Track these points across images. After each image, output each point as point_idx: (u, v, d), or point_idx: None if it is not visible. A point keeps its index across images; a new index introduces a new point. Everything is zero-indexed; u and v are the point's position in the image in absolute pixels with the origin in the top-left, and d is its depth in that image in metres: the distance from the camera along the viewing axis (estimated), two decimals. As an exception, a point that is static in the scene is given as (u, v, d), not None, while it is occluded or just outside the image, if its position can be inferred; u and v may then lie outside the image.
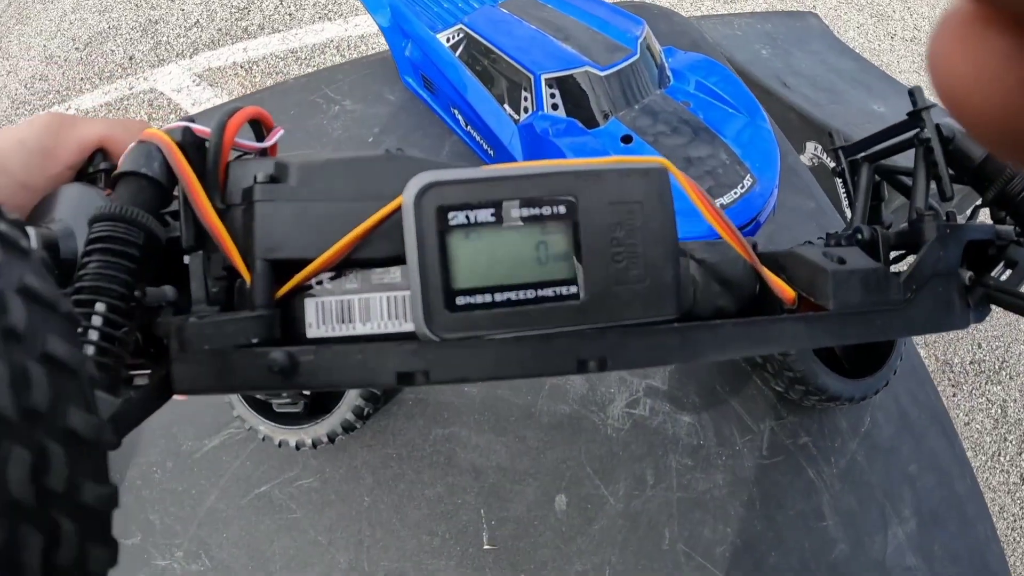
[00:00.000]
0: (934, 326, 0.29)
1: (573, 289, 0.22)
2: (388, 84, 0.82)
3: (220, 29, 2.11)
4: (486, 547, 0.57)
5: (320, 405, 0.57)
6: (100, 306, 0.23)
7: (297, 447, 0.55)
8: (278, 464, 0.60)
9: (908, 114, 0.42)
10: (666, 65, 0.67)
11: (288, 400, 0.54)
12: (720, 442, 0.61)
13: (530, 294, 0.22)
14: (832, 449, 0.63)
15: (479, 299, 0.22)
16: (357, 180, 0.25)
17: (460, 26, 0.68)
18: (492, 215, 0.22)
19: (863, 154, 0.49)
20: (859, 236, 0.39)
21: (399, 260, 0.24)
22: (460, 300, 0.22)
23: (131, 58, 2.11)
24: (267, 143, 0.31)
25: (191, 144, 0.27)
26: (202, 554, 0.59)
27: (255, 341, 0.23)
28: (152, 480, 0.62)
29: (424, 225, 0.22)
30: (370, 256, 0.25)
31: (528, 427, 0.59)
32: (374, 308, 0.25)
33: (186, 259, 0.27)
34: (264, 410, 0.56)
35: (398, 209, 0.23)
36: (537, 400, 0.60)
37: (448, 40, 0.68)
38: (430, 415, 0.60)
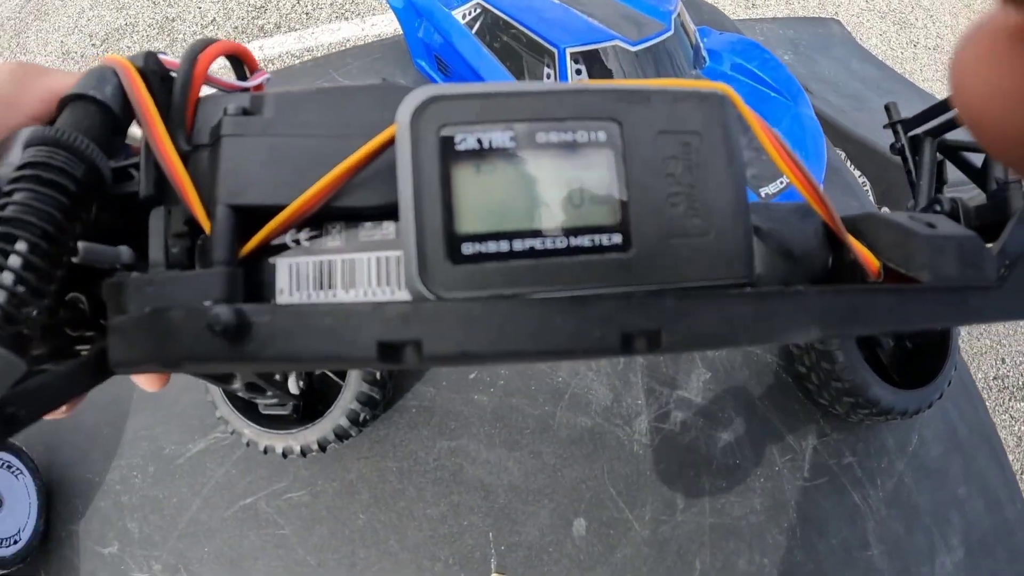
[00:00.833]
0: None
1: (617, 239, 0.17)
2: (400, 68, 0.77)
3: (236, 27, 2.09)
4: (493, 575, 0.51)
5: (312, 409, 0.51)
6: (21, 245, 0.18)
7: (284, 455, 0.50)
8: (267, 474, 0.54)
9: None
10: (701, 45, 0.61)
11: (275, 400, 0.49)
12: (758, 462, 0.54)
13: (560, 243, 0.17)
14: (878, 470, 0.57)
15: (492, 247, 0.17)
16: (347, 112, 0.20)
17: (477, 1, 0.62)
18: (512, 139, 0.17)
19: (924, 128, 0.44)
20: (938, 208, 0.34)
21: (395, 212, 0.18)
22: (467, 248, 0.17)
23: (147, 55, 2.10)
24: (250, 83, 0.26)
25: (155, 74, 0.22)
26: (181, 568, 0.54)
27: (208, 304, 0.18)
28: (132, 485, 0.57)
29: (422, 149, 0.17)
30: (358, 205, 0.20)
31: (544, 441, 0.53)
32: (360, 271, 0.20)
33: None
34: (250, 412, 0.51)
35: (393, 140, 0.18)
36: (556, 411, 0.54)
37: (464, 16, 0.63)
38: (436, 425, 0.54)
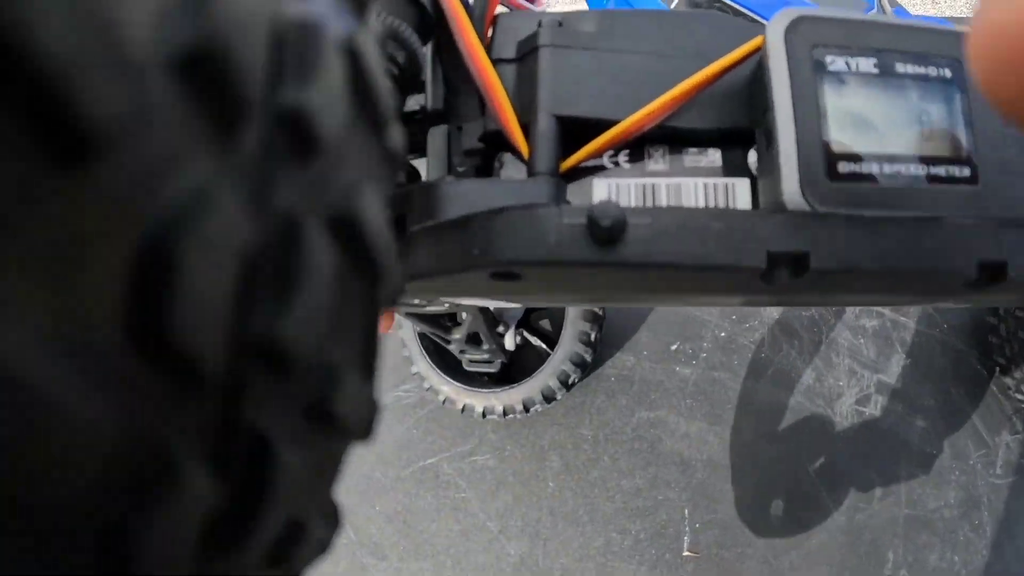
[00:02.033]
0: None
1: (967, 171, 0.18)
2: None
3: None
4: (686, 553, 0.49)
5: (505, 375, 0.49)
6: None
7: (484, 415, 0.48)
8: (450, 435, 0.52)
9: None
10: None
11: (486, 356, 0.47)
12: (954, 454, 0.53)
13: (921, 170, 0.18)
14: (1070, 475, 0.55)
15: (865, 168, 0.18)
16: (676, 35, 0.21)
17: None
18: (875, 66, 0.18)
19: None
20: None
21: (721, 139, 0.20)
22: (843, 167, 0.17)
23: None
24: (537, 7, 0.25)
25: None
26: (347, 526, 0.52)
27: (559, 206, 0.17)
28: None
29: (798, 66, 0.18)
30: (689, 126, 0.20)
31: (745, 416, 0.51)
32: (687, 196, 0.20)
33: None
34: (448, 369, 0.49)
35: (755, 52, 0.18)
36: (757, 386, 0.52)
37: None
38: (635, 394, 0.52)
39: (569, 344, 0.47)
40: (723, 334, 0.53)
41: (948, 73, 0.19)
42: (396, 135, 0.11)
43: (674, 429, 0.51)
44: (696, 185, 0.20)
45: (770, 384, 0.52)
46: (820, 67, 0.18)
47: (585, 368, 0.48)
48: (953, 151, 0.18)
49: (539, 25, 0.21)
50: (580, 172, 0.20)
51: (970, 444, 0.53)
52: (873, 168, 0.18)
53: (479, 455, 0.51)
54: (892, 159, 0.18)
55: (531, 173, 0.19)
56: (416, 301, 0.33)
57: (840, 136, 0.18)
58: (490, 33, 0.22)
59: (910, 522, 0.51)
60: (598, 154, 0.20)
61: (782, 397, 0.52)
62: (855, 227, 0.17)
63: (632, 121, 0.19)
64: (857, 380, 0.53)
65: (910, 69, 0.18)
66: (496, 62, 0.21)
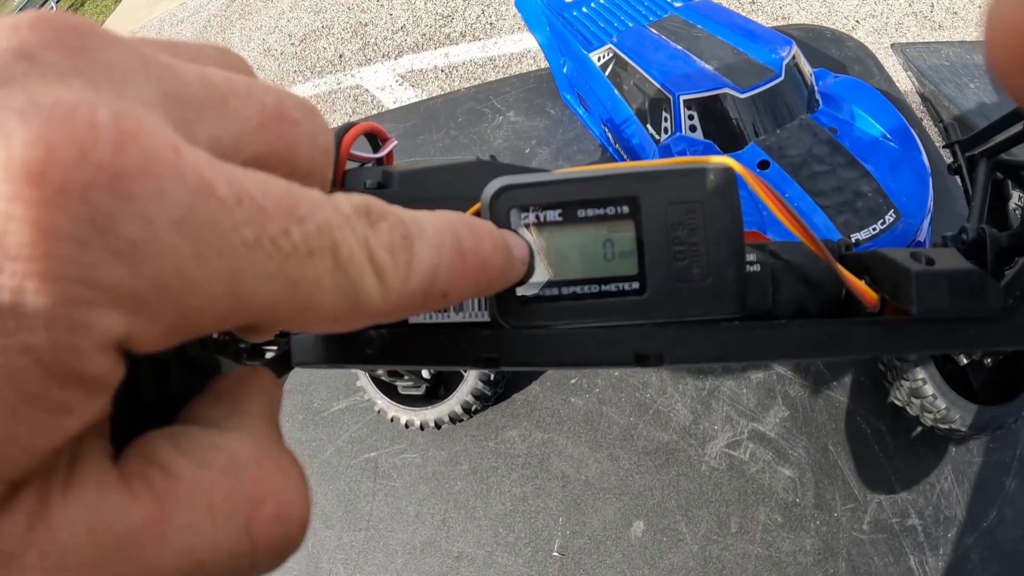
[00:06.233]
0: None
1: (635, 285, 0.23)
2: (551, 99, 0.85)
3: (424, 34, 2.24)
4: (554, 554, 0.58)
5: (436, 392, 0.62)
6: None
7: (407, 426, 0.60)
8: (390, 436, 0.65)
9: None
10: (816, 88, 0.64)
11: (411, 383, 0.60)
12: (818, 505, 0.58)
13: (594, 288, 0.23)
14: (944, 539, 0.57)
15: (547, 292, 0.23)
16: (451, 183, 0.29)
17: (609, 46, 0.69)
18: (560, 215, 0.23)
19: (981, 148, 0.44)
20: (963, 236, 0.34)
21: None
22: (531, 293, 0.24)
23: (341, 56, 2.32)
24: (381, 153, 0.34)
25: None
26: (310, 499, 0.66)
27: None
28: (280, 428, 0.71)
29: (499, 224, 0.23)
30: None
31: (624, 447, 0.60)
32: (467, 300, 0.27)
33: None
34: (384, 386, 0.62)
35: (479, 211, 0.25)
36: (639, 422, 0.61)
37: (599, 59, 0.71)
38: (535, 418, 0.62)
39: (472, 381, 0.58)
40: (616, 374, 0.62)
41: (625, 209, 0.23)
42: None
43: (561, 450, 0.61)
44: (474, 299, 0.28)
45: (650, 421, 0.60)
46: (516, 221, 0.23)
47: (487, 400, 0.59)
48: (626, 271, 0.23)
49: (364, 186, 0.29)
50: None
51: (838, 497, 0.58)
52: (554, 291, 0.23)
53: (408, 454, 0.64)
54: (570, 283, 0.23)
55: None
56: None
57: (531, 269, 0.24)
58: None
59: (761, 560, 0.57)
60: None
61: (658, 434, 0.60)
62: (534, 337, 0.24)
63: None
64: (732, 426, 0.59)
65: (590, 213, 0.23)
66: None
